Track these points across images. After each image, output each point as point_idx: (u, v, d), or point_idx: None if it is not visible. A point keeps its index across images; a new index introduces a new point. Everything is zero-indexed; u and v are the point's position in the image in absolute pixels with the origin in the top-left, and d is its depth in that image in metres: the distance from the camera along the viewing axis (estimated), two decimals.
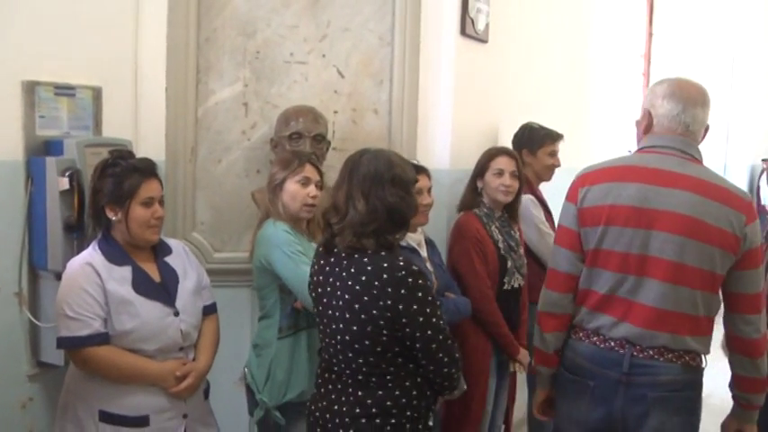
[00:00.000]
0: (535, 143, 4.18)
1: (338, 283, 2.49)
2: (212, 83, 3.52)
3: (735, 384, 2.64)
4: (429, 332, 2.45)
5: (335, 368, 2.53)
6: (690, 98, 2.59)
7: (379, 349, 2.45)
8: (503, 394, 3.84)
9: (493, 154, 3.71)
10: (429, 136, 3.92)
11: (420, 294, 2.43)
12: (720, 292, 2.56)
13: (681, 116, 2.57)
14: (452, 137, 3.92)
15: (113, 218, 2.61)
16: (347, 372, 2.50)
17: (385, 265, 2.41)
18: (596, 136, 5.84)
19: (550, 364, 2.78)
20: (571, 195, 2.69)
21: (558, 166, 4.25)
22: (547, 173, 4.25)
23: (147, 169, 2.66)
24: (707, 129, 2.65)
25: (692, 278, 2.46)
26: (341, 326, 2.48)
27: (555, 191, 4.43)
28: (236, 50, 3.55)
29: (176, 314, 2.68)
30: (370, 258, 2.44)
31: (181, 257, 2.83)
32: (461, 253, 3.61)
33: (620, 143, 6.65)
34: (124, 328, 2.56)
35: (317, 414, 2.56)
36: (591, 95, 5.82)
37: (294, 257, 2.91)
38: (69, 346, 2.56)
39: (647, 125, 2.65)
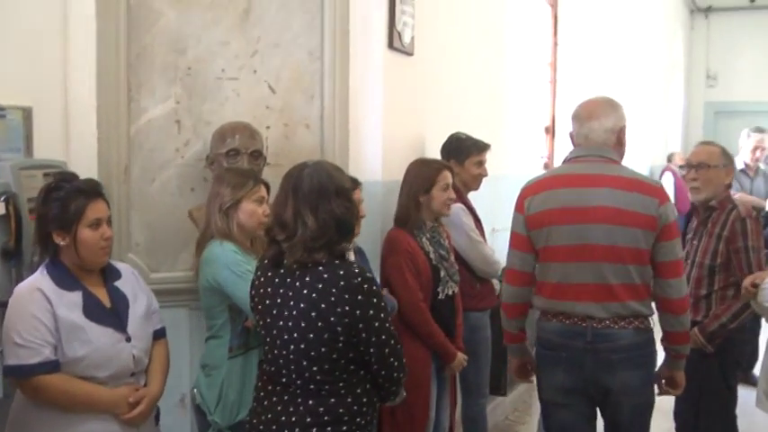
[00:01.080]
0: (462, 153, 4.27)
1: (291, 293, 2.51)
2: (144, 100, 3.47)
3: (665, 338, 3.15)
4: (383, 337, 2.53)
5: (283, 379, 2.55)
6: (585, 115, 3.17)
7: (334, 356, 2.49)
8: (444, 399, 3.92)
9: (439, 168, 3.78)
10: (360, 149, 3.95)
11: (375, 300, 2.50)
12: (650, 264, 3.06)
13: (581, 131, 3.17)
14: (383, 149, 3.96)
15: (61, 243, 2.55)
16: (298, 382, 2.52)
17: (341, 272, 2.46)
18: (512, 144, 5.98)
19: (518, 341, 3.34)
20: (519, 207, 3.19)
21: (486, 175, 4.35)
22: (474, 182, 4.34)
23: (92, 190, 2.62)
24: (619, 131, 3.16)
25: (625, 256, 2.97)
26: (295, 335, 2.49)
27: (481, 199, 4.54)
28: (168, 67, 3.51)
29: (128, 340, 2.64)
30: (325, 267, 2.48)
31: (130, 282, 2.78)
32: (393, 267, 3.66)
33: (533, 150, 6.86)
34: (76, 354, 2.50)
35: (261, 428, 2.56)
36: (506, 105, 5.96)
37: (244, 277, 2.90)
38: (19, 374, 2.48)
39: (571, 140, 3.26)
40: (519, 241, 3.18)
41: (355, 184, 3.36)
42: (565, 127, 7.64)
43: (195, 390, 3.10)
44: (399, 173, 3.92)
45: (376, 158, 3.97)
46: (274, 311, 2.56)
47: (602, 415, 3.18)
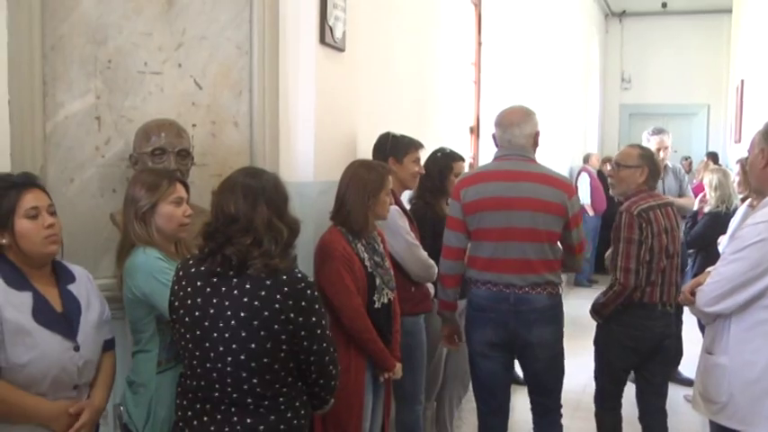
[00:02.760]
0: (401, 151, 4.16)
1: (227, 303, 2.40)
2: (61, 95, 3.22)
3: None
4: (324, 344, 2.49)
5: (216, 394, 2.42)
6: (506, 123, 3.83)
7: (276, 366, 2.40)
8: (379, 407, 3.78)
9: (385, 172, 3.66)
10: (292, 148, 3.79)
11: (317, 306, 2.47)
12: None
13: (504, 136, 3.82)
14: (315, 148, 3.81)
15: (3, 241, 2.38)
16: (234, 396, 2.40)
17: (284, 278, 2.40)
18: (439, 144, 5.88)
19: (452, 309, 3.99)
20: (455, 195, 3.83)
21: (422, 173, 4.25)
22: (412, 180, 4.25)
23: (25, 181, 2.47)
24: (535, 135, 3.83)
25: (542, 237, 3.68)
26: (233, 346, 2.37)
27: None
28: (86, 60, 3.27)
29: (76, 349, 2.45)
30: (267, 273, 2.39)
31: (85, 286, 2.61)
32: (331, 272, 3.49)
33: (459, 149, 6.77)
34: (19, 360, 2.31)
35: None
36: (433, 104, 5.87)
37: (168, 284, 2.70)
38: None
39: (495, 141, 3.90)
40: (455, 224, 3.82)
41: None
42: (489, 127, 7.69)
43: (122, 407, 2.88)
44: (332, 173, 3.78)
45: (308, 158, 3.82)
46: (206, 323, 2.42)
47: (521, 366, 3.90)
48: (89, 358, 2.52)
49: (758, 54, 8.64)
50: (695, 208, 6.42)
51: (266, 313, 2.36)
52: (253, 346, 2.37)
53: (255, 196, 2.47)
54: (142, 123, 3.27)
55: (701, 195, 6.51)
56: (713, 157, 12.32)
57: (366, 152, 4.24)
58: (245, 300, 2.37)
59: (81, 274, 2.65)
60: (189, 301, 2.47)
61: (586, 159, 11.81)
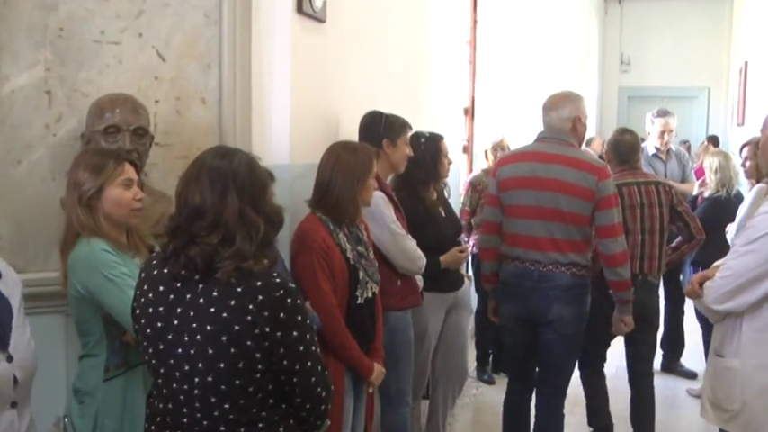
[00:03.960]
0: (395, 132, 3.87)
1: (192, 313, 2.03)
2: (6, 67, 2.90)
3: (611, 288, 3.98)
4: (309, 363, 2.08)
5: (184, 419, 2.05)
6: (547, 106, 4.00)
7: (251, 389, 2.03)
8: (360, 412, 3.49)
9: (371, 155, 3.40)
10: (265, 127, 3.47)
11: (300, 318, 2.05)
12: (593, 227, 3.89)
13: (544, 118, 4.00)
14: (292, 128, 3.50)
15: None
16: (204, 423, 2.03)
17: (259, 284, 2.00)
18: (431, 125, 5.56)
19: (492, 282, 4.18)
20: (493, 173, 4.10)
21: (412, 155, 3.95)
22: (404, 163, 3.95)
23: None
24: (574, 119, 3.93)
25: (567, 218, 3.80)
26: (200, 366, 2.01)
27: None
28: (34, 27, 2.94)
29: (9, 359, 2.10)
30: (238, 278, 2.00)
31: (14, 284, 2.24)
32: (305, 266, 3.18)
33: (452, 132, 6.46)
34: None
35: None
36: (424, 83, 5.54)
37: (118, 281, 2.42)
38: None
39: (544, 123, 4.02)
40: (491, 199, 4.07)
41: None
42: (484, 109, 7.41)
43: (66, 419, 2.57)
44: (311, 155, 3.47)
45: (283, 139, 3.49)
46: (170, 336, 2.06)
47: (538, 340, 3.99)
48: (26, 368, 2.17)
49: (762, 37, 8.36)
50: (695, 193, 6.16)
51: (237, 327, 1.98)
52: (222, 365, 2.00)
53: (225, 183, 2.06)
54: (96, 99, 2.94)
55: (700, 180, 6.26)
56: (714, 140, 12.08)
57: (349, 132, 3.93)
58: (212, 310, 2.01)
59: (7, 271, 2.27)
60: (150, 310, 2.12)
61: (589, 143, 11.52)
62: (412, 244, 3.83)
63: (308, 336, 2.09)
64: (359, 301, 3.29)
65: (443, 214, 4.32)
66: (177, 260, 2.08)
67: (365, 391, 3.47)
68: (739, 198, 5.56)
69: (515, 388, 4.26)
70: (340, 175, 3.26)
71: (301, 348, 2.06)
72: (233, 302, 1.99)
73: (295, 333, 2.04)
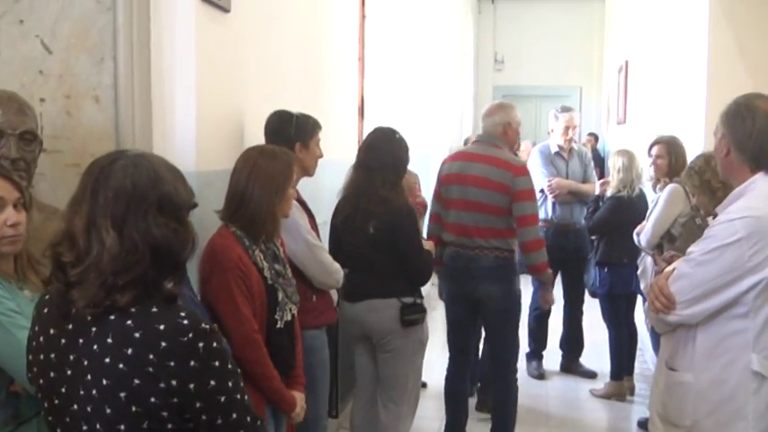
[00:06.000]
0: (308, 134, 3.53)
1: (86, 363, 1.66)
2: None
3: (528, 271, 4.75)
4: (234, 415, 1.73)
5: None
6: (484, 114, 4.72)
7: None
8: None
9: (291, 161, 3.09)
10: (167, 129, 3.04)
11: (217, 364, 1.69)
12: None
13: (482, 124, 4.72)
14: (198, 130, 3.09)
15: None
16: None
17: (161, 327, 1.63)
18: (330, 124, 5.24)
19: (438, 265, 4.62)
20: (439, 170, 4.78)
21: (322, 156, 3.62)
22: (315, 166, 3.62)
23: None
24: (504, 125, 4.61)
25: (489, 209, 4.44)
26: (98, 426, 1.64)
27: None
28: None
29: None
30: (136, 320, 1.63)
31: None
32: (220, 288, 2.81)
33: (348, 131, 6.16)
34: None
35: None
36: (323, 80, 5.20)
37: (3, 320, 1.99)
38: None
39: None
40: (435, 193, 4.78)
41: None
42: (374, 108, 7.14)
43: None
44: (218, 161, 3.10)
45: (188, 142, 3.08)
46: (63, 389, 1.70)
47: (478, 317, 4.69)
48: None
49: (642, 36, 8.47)
50: (597, 192, 6.10)
51: (137, 381, 1.63)
52: (122, 427, 1.65)
53: (84, 191, 1.71)
54: None
55: (601, 180, 6.21)
56: (595, 137, 12.37)
57: (254, 135, 3.55)
58: (107, 361, 1.64)
59: None
60: (42, 356, 1.74)
61: (466, 142, 11.52)
62: (328, 256, 3.52)
63: (230, 383, 1.73)
64: (278, 326, 2.95)
65: None
66: (62, 296, 1.71)
67: (286, 420, 3.12)
68: (642, 198, 5.53)
69: (458, 364, 4.81)
70: (257, 185, 2.91)
71: (222, 399, 1.71)
72: (129, 351, 1.63)
73: (212, 383, 1.69)
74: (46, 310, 1.77)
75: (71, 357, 1.69)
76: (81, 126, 2.86)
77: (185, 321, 1.67)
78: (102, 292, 1.64)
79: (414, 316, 3.95)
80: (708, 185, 4.17)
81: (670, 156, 4.99)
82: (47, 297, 1.81)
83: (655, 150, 5.11)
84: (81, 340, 1.68)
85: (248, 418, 1.78)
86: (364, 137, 6.87)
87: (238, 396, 1.75)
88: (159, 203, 1.70)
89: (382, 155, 3.99)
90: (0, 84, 2.62)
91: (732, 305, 2.53)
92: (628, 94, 9.35)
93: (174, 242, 1.73)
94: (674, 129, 5.60)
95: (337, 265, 3.55)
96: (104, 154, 1.81)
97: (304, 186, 3.68)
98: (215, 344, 1.70)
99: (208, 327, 1.71)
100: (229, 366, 1.74)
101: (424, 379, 4.72)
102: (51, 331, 1.74)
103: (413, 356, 4.07)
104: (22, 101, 2.49)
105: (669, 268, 2.77)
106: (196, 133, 3.09)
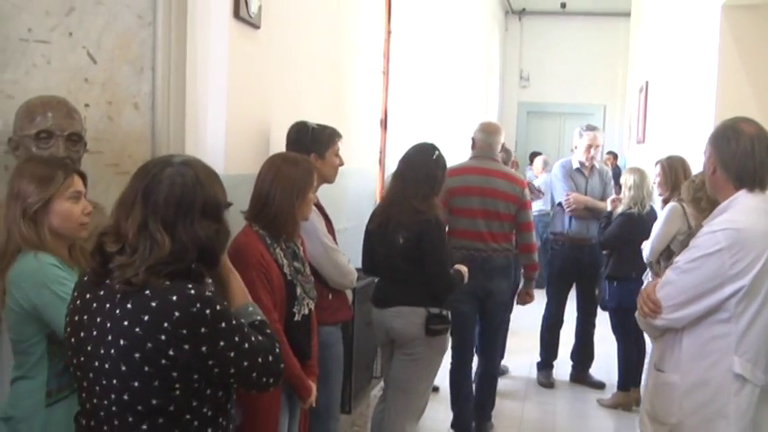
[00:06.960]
0: (323, 144, 3.70)
1: (109, 325, 1.90)
2: None
3: (526, 270, 5.43)
4: (245, 363, 1.98)
5: None
6: (493, 131, 5.29)
7: (171, 408, 1.90)
8: (294, 427, 3.39)
9: (312, 168, 3.27)
10: (199, 135, 3.33)
11: (224, 325, 1.93)
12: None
13: (487, 140, 5.20)
14: (227, 137, 3.36)
15: None
16: None
17: (174, 298, 1.87)
18: (354, 135, 5.49)
19: None
20: (449, 183, 4.61)
21: (343, 164, 3.83)
22: (334, 174, 3.81)
23: None
24: (502, 144, 5.39)
25: (501, 216, 5.05)
26: (114, 382, 1.89)
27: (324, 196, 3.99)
28: None
29: None
30: (153, 291, 1.87)
31: None
32: (244, 283, 3.05)
33: (370, 143, 6.40)
34: None
35: None
36: (348, 93, 5.46)
37: (68, 298, 2.23)
38: None
39: (473, 144, 5.29)
40: (443, 203, 4.64)
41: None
42: (397, 121, 7.37)
43: None
44: (245, 166, 3.34)
45: (218, 147, 3.36)
46: (89, 347, 1.94)
47: (482, 311, 5.14)
48: None
49: (661, 57, 8.60)
50: (609, 209, 6.27)
51: (150, 345, 1.87)
52: (136, 385, 1.88)
53: (137, 190, 1.97)
54: (25, 101, 2.73)
55: (612, 197, 6.38)
56: (614, 156, 12.41)
57: (279, 143, 3.80)
58: (126, 324, 1.88)
59: None
60: (76, 318, 1.99)
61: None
62: (344, 258, 3.75)
63: (236, 338, 1.97)
64: (296, 318, 3.18)
65: None
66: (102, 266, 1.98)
67: (299, 407, 3.36)
68: (652, 215, 5.67)
69: (461, 358, 5.18)
70: (280, 189, 3.14)
71: (232, 354, 1.95)
72: (146, 318, 1.87)
73: (222, 343, 1.93)
74: (86, 278, 2.02)
75: (98, 320, 1.93)
76: (120, 130, 3.14)
77: (192, 292, 1.90)
78: (143, 276, 1.88)
79: (439, 326, 4.02)
80: (698, 203, 4.34)
81: (667, 176, 5.18)
82: (88, 269, 2.07)
83: (655, 170, 5.31)
84: (107, 305, 1.93)
85: (259, 359, 2.02)
86: (386, 148, 7.18)
87: (246, 345, 1.98)
88: (203, 208, 1.96)
89: (417, 168, 4.07)
90: (50, 90, 2.88)
91: (715, 311, 2.71)
92: (647, 114, 9.45)
93: (217, 241, 2.00)
94: (686, 149, 5.76)
95: (351, 267, 3.76)
96: (153, 159, 2.08)
97: (325, 192, 3.92)
98: (218, 307, 1.94)
99: (210, 294, 1.95)
100: (233, 323, 1.98)
101: (436, 383, 4.72)
102: (87, 296, 1.99)
103: (430, 365, 4.17)
104: (70, 106, 2.76)
105: (660, 280, 2.97)
106: (225, 139, 3.36)
